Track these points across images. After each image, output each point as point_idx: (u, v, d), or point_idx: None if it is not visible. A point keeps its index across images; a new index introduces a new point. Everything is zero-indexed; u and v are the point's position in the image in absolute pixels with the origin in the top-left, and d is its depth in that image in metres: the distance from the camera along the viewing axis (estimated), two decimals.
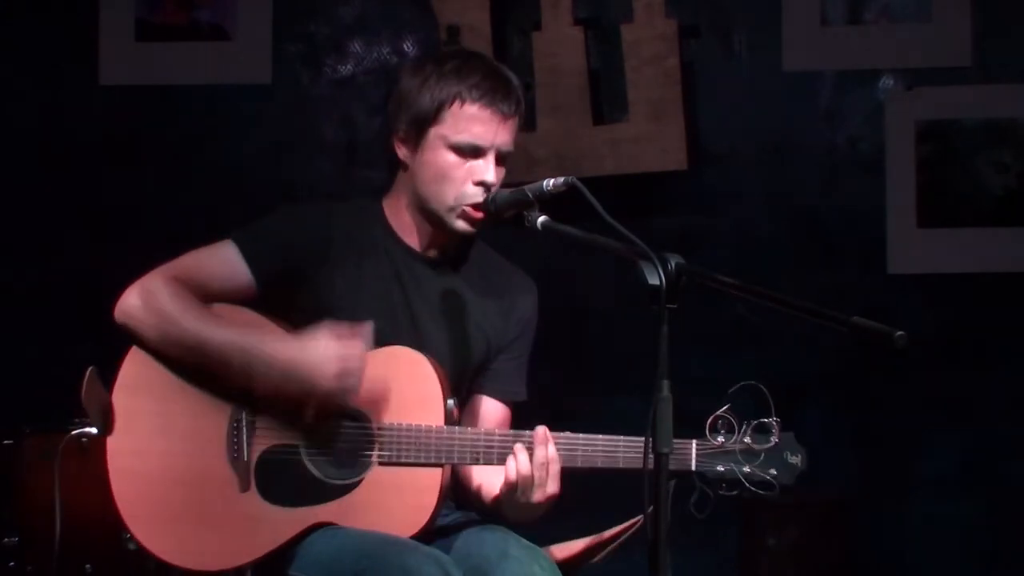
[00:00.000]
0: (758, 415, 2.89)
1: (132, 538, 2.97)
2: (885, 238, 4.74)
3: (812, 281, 4.69)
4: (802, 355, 4.60)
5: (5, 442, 4.07)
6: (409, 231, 3.10)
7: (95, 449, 3.60)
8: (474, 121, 3.00)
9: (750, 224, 4.81)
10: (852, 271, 4.77)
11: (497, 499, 3.00)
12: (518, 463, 2.88)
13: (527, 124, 4.70)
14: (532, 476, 2.87)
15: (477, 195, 2.99)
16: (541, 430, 2.91)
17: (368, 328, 2.91)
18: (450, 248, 3.12)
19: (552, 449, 2.89)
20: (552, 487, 2.89)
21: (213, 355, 2.92)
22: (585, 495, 2.96)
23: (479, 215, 3.01)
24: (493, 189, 3.00)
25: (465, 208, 3.00)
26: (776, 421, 2.89)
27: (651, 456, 2.50)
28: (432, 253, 3.11)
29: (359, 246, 3.07)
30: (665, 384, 2.48)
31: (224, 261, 3.00)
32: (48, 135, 4.91)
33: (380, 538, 2.88)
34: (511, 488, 2.90)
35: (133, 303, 2.96)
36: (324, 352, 2.87)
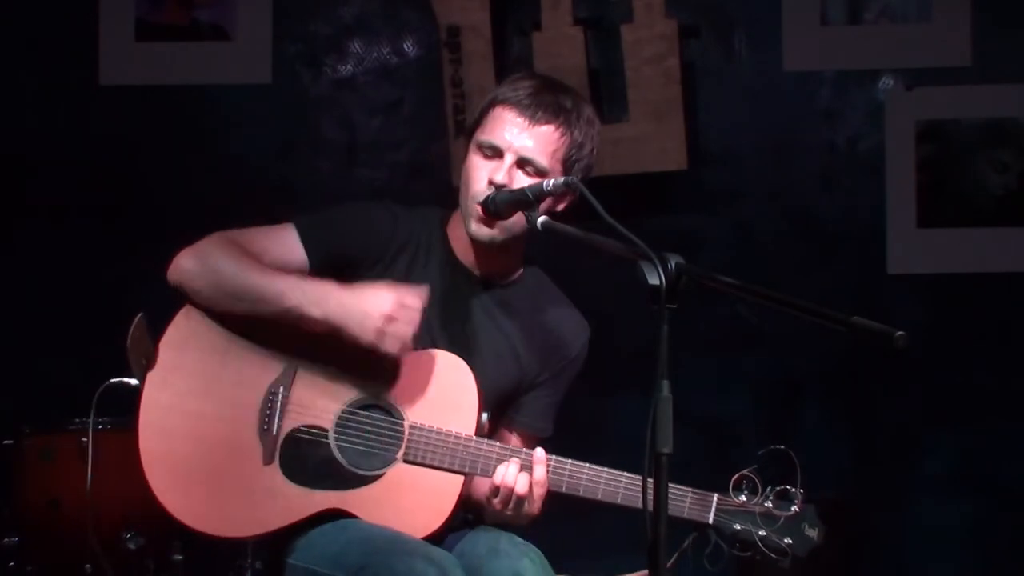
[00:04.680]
0: (783, 481, 2.90)
1: (149, 490, 2.95)
2: (885, 238, 4.74)
3: (812, 281, 4.69)
4: (802, 355, 4.60)
5: (5, 442, 4.06)
6: (466, 249, 3.09)
7: (99, 451, 3.58)
8: (499, 122, 3.00)
9: (750, 224, 4.81)
10: (852, 271, 4.76)
11: (479, 501, 3.03)
12: (506, 475, 2.91)
13: None
14: (512, 491, 2.91)
15: (489, 193, 2.98)
16: (539, 452, 2.94)
17: (425, 288, 2.91)
18: (506, 271, 3.12)
19: (540, 471, 2.92)
20: (532, 507, 2.94)
21: (269, 297, 2.91)
22: (597, 529, 2.97)
23: (487, 216, 2.99)
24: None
25: (476, 206, 2.99)
26: (800, 491, 2.92)
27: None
28: (486, 274, 3.10)
29: (415, 255, 3.07)
30: (665, 384, 2.49)
31: (281, 240, 3.01)
32: (48, 135, 4.91)
33: (388, 537, 2.89)
34: (494, 494, 2.93)
35: (187, 264, 2.97)
36: (381, 295, 2.88)
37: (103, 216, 4.85)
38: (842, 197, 4.79)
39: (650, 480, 2.47)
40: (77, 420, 3.95)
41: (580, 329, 3.21)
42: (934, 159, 4.74)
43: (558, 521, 3.00)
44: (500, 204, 2.93)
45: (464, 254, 3.09)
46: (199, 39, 4.93)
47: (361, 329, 2.87)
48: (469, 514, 3.10)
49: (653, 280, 2.52)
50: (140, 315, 2.96)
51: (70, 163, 4.90)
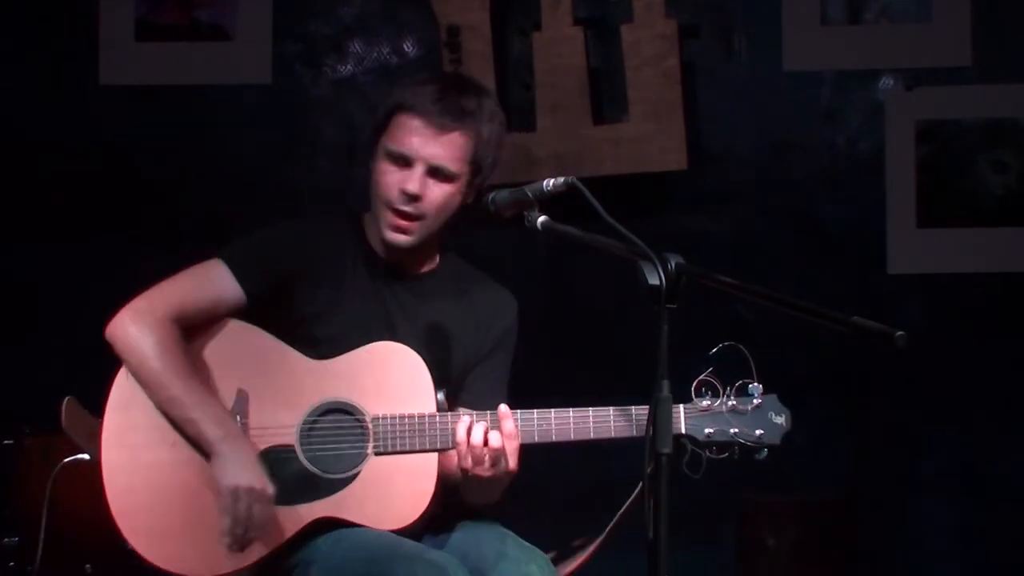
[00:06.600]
0: (740, 377, 2.92)
1: (134, 552, 2.99)
2: (885, 238, 4.74)
3: (812, 281, 4.69)
4: (802, 355, 4.60)
5: (5, 442, 4.07)
6: (384, 247, 3.12)
7: (90, 473, 3.60)
8: (407, 131, 3.04)
9: (750, 224, 4.81)
10: (852, 271, 4.76)
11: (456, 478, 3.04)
12: (471, 436, 2.92)
13: (527, 124, 4.70)
14: (480, 449, 2.91)
15: (399, 202, 3.03)
16: (503, 407, 2.96)
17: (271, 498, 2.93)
18: (425, 261, 3.16)
19: (509, 424, 2.93)
20: (510, 463, 2.94)
21: (177, 412, 2.95)
22: (582, 498, 2.97)
23: (401, 223, 3.05)
24: (424, 206, 3.03)
25: (390, 213, 3.05)
26: (757, 384, 2.94)
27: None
28: (407, 266, 3.15)
29: (340, 260, 3.10)
30: (665, 384, 2.49)
31: (215, 279, 3.04)
32: (48, 135, 4.91)
33: (385, 545, 2.89)
34: (463, 458, 2.93)
35: (125, 331, 2.99)
36: (256, 476, 2.91)
37: (103, 216, 4.85)
38: (842, 197, 4.79)
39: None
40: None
41: (508, 300, 3.23)
42: (934, 159, 4.74)
43: (559, 521, 3.00)
44: (500, 204, 2.93)
45: (384, 252, 3.13)
46: (199, 39, 4.93)
47: (223, 476, 2.91)
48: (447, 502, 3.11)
49: (653, 280, 2.52)
50: (68, 398, 2.99)
51: (70, 163, 4.89)
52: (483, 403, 3.13)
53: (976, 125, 4.73)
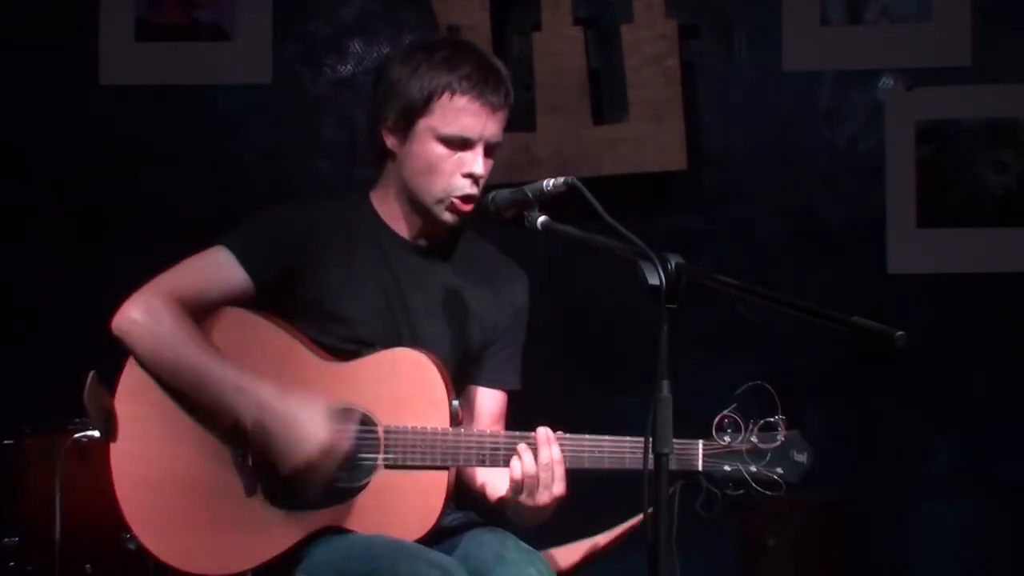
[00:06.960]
0: (764, 414, 2.88)
1: (137, 542, 2.97)
2: (885, 238, 4.74)
3: (812, 281, 4.69)
4: (802, 355, 4.60)
5: (5, 442, 4.06)
6: (399, 221, 3.09)
7: (97, 452, 3.61)
8: (463, 113, 2.99)
9: (750, 224, 4.81)
10: (852, 271, 4.76)
11: (502, 501, 3.00)
12: (523, 464, 2.88)
13: (527, 124, 4.70)
14: (537, 477, 2.88)
15: (466, 187, 3.01)
16: (543, 431, 2.90)
17: (357, 415, 2.90)
18: (441, 237, 3.11)
19: (556, 450, 2.89)
20: (558, 488, 2.89)
21: (208, 389, 2.91)
22: (584, 497, 2.96)
23: (467, 207, 3.02)
24: (482, 180, 3.01)
25: (454, 200, 3.02)
26: (782, 420, 2.89)
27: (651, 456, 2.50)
28: (422, 242, 3.11)
29: (349, 239, 3.06)
30: (665, 384, 2.49)
31: (220, 267, 2.99)
32: (48, 135, 4.91)
33: (389, 543, 2.88)
34: (516, 490, 2.90)
35: (133, 320, 2.93)
36: (319, 426, 2.87)
37: (103, 216, 4.85)
38: (842, 197, 4.79)
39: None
40: (77, 420, 3.95)
41: (519, 275, 3.22)
42: (934, 159, 4.74)
43: (558, 523, 3.00)
44: (500, 204, 2.92)
45: (402, 229, 3.10)
46: (199, 39, 4.93)
47: (305, 443, 2.86)
48: (473, 511, 3.10)
49: (653, 280, 2.52)
50: (93, 372, 2.95)
51: (70, 163, 4.90)
52: (498, 379, 3.14)
53: (976, 125, 4.73)
